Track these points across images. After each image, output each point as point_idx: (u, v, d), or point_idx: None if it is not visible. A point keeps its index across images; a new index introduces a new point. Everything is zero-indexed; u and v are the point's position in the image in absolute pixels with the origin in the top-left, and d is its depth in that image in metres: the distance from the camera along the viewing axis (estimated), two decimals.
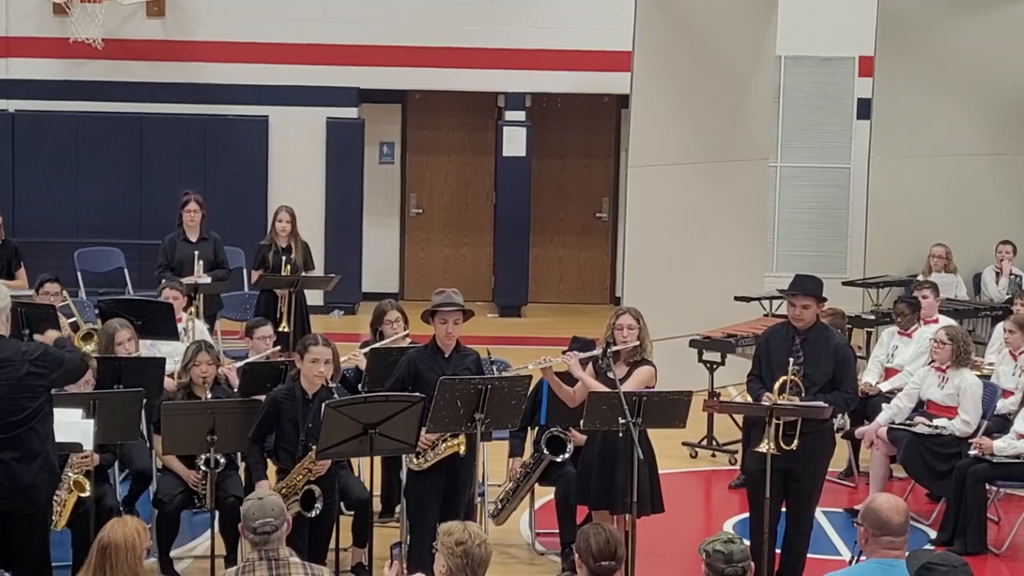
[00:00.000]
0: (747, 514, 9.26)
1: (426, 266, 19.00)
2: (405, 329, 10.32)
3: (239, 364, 10.15)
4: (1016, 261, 15.26)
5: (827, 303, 9.36)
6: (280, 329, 12.83)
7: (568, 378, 8.98)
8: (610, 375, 8.72)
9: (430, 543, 8.52)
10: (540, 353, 9.38)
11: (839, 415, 10.26)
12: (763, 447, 8.69)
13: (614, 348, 8.81)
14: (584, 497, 9.08)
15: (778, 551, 9.04)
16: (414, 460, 8.73)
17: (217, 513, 8.79)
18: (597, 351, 8.94)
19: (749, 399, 9.29)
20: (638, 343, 8.86)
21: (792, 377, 8.76)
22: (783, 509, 9.00)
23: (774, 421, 8.67)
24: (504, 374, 9.53)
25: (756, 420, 9.09)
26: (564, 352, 9.10)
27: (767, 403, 8.74)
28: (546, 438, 9.54)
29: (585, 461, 9.03)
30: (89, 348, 9.36)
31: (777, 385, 8.77)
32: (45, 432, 7.70)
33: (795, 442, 8.70)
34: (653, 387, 8.84)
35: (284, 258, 13.60)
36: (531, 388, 9.15)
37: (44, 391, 7.68)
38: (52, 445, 7.78)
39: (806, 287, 9.00)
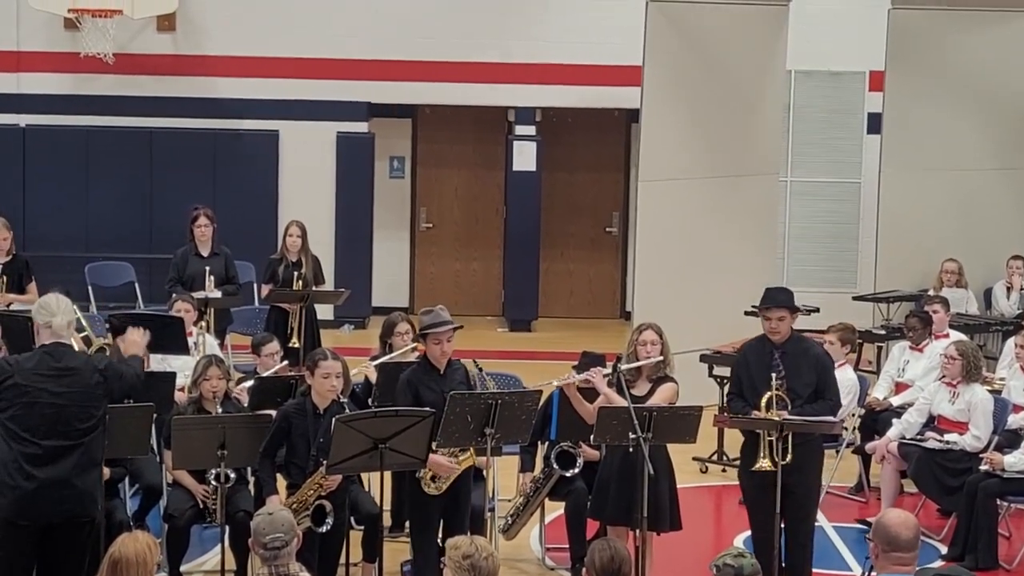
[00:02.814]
0: None
1: (436, 280, 19.00)
2: (415, 341, 10.32)
3: (248, 384, 10.12)
4: None
5: (817, 316, 9.29)
6: (291, 344, 12.84)
7: (588, 395, 8.96)
8: (632, 391, 8.68)
9: (434, 557, 8.57)
10: (550, 368, 9.39)
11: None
12: (760, 465, 8.66)
13: (624, 366, 8.78)
14: (600, 512, 9.03)
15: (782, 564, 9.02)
16: (432, 484, 8.66)
17: (227, 528, 8.80)
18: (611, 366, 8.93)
19: None
20: (661, 358, 8.85)
21: (776, 392, 8.72)
22: (782, 524, 8.96)
23: (767, 437, 8.65)
24: (512, 389, 9.52)
25: (747, 440, 9.02)
26: (574, 367, 9.10)
27: (777, 418, 8.70)
28: (556, 453, 9.53)
29: (603, 476, 8.97)
30: None
31: (763, 402, 8.72)
32: (103, 443, 7.78)
33: (789, 456, 8.67)
34: (676, 403, 8.81)
35: (295, 273, 13.61)
36: (541, 403, 9.15)
37: (105, 402, 7.75)
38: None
39: (779, 299, 8.98)
